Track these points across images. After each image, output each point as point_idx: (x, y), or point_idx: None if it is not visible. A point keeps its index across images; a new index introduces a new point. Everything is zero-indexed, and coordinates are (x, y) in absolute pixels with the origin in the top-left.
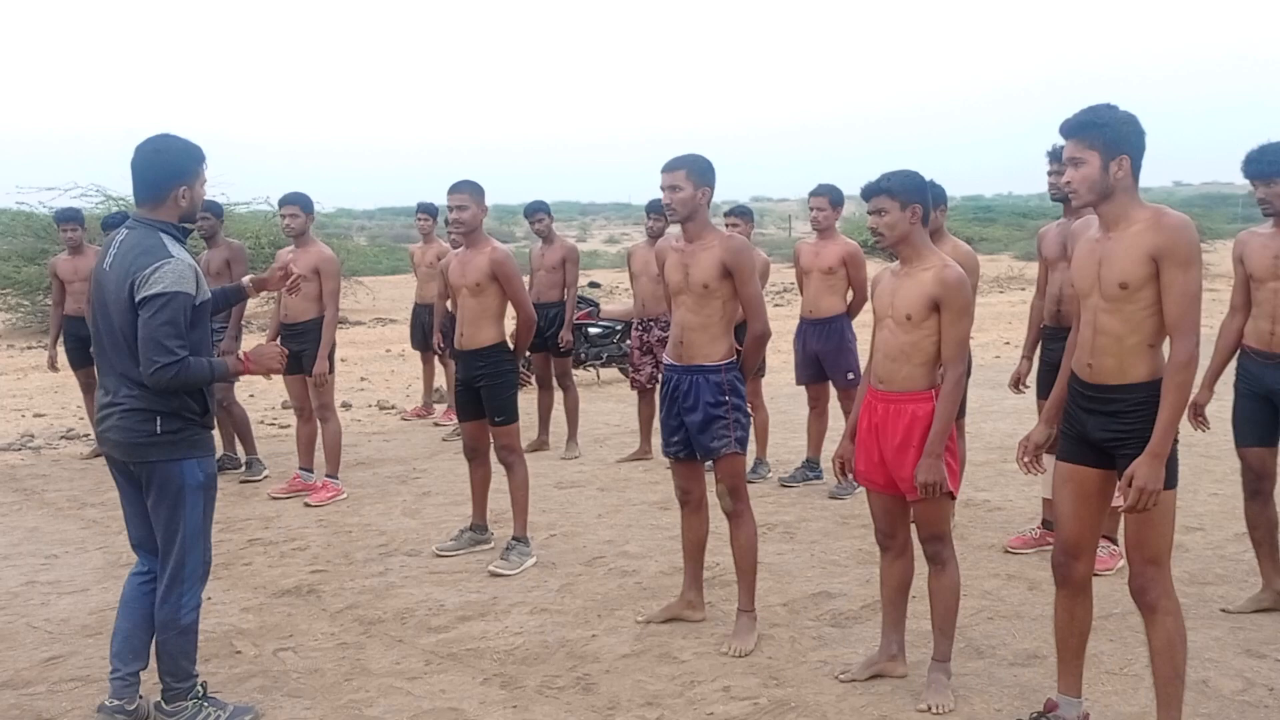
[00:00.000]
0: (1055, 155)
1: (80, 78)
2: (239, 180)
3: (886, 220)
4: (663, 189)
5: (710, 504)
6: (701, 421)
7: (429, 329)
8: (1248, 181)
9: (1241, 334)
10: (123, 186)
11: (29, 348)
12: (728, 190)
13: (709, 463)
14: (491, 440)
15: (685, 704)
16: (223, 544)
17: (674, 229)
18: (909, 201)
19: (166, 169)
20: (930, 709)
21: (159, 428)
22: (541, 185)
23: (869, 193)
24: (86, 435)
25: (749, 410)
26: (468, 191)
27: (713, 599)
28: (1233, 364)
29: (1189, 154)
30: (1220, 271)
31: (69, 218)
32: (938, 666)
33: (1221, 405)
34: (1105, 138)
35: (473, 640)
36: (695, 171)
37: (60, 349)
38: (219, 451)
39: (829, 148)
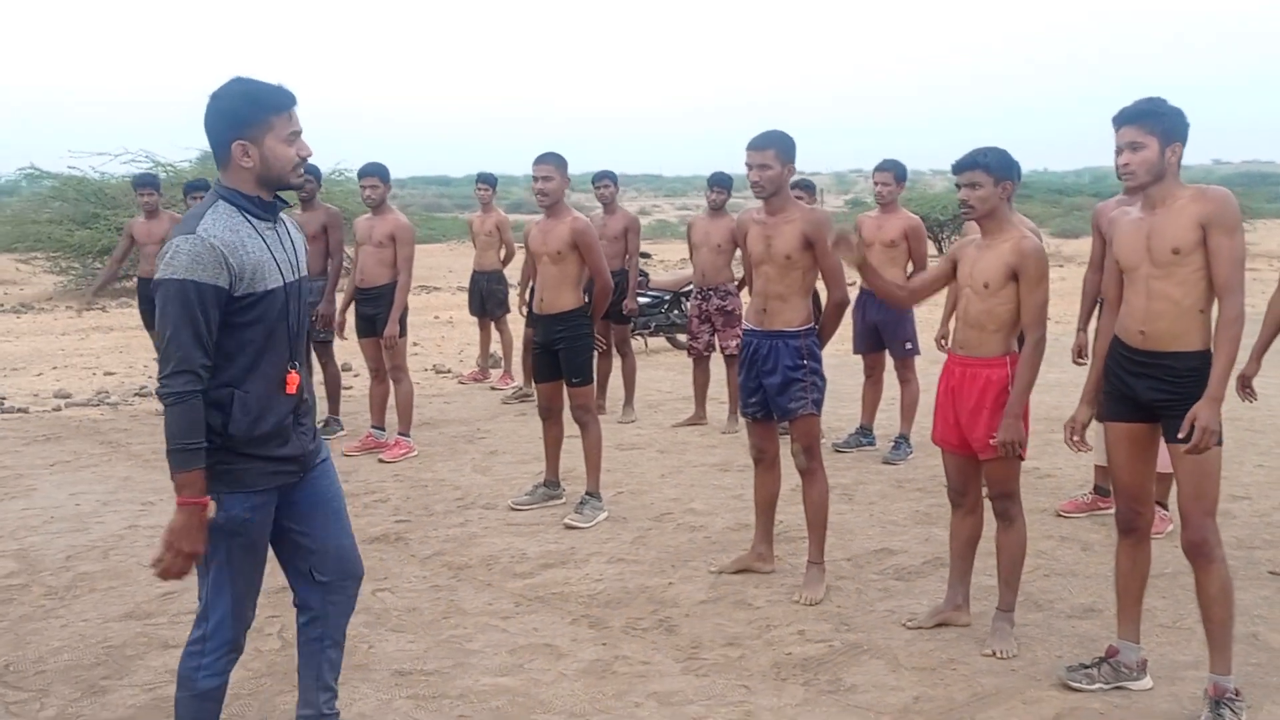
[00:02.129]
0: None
1: (131, 42)
2: None
3: (980, 194)
4: (751, 166)
5: (782, 462)
6: (780, 384)
7: (486, 295)
8: None
9: None
10: (170, 152)
11: (87, 309)
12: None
13: (783, 424)
14: (567, 400)
15: (764, 644)
16: None
17: (754, 202)
18: (1002, 178)
19: (222, 121)
20: (995, 654)
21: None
22: (572, 157)
23: (964, 166)
24: (149, 391)
25: (823, 375)
26: (553, 163)
27: (780, 553)
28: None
29: (1229, 132)
30: (1260, 251)
31: (146, 183)
32: (1002, 616)
33: (1264, 381)
34: (1164, 126)
35: (557, 585)
36: (783, 150)
37: (121, 304)
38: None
39: (846, 119)
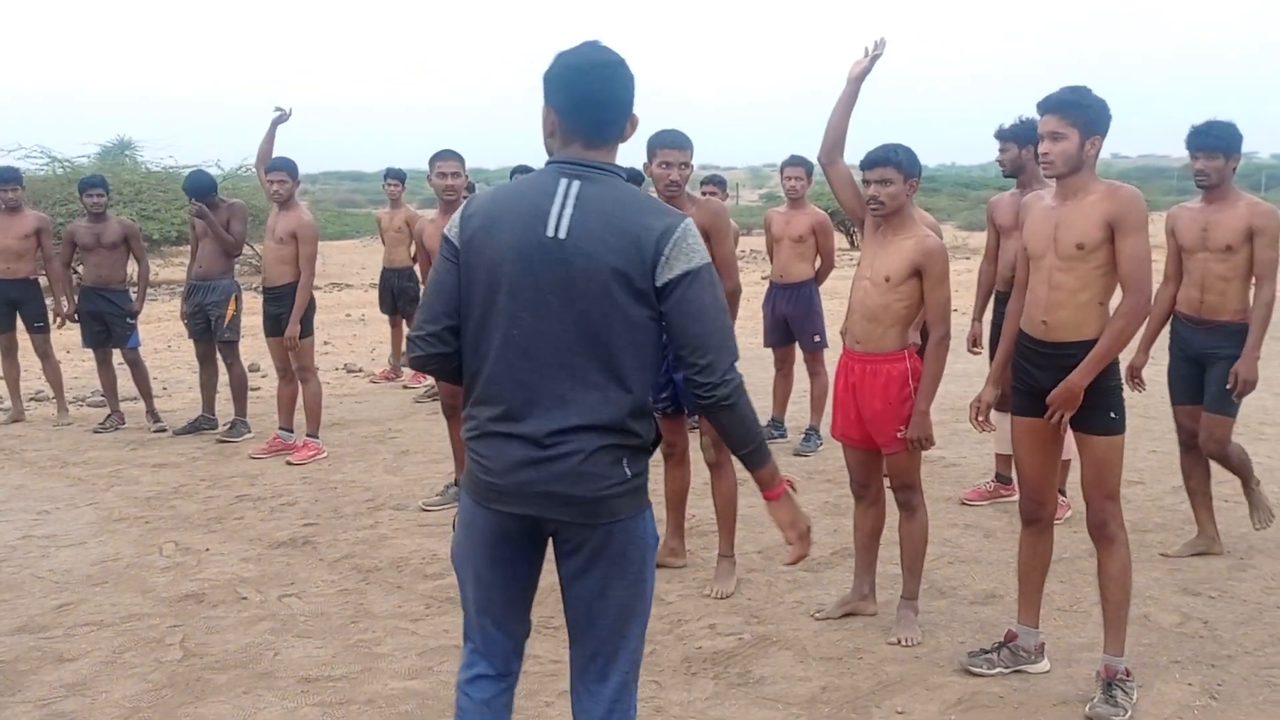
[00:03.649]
0: (1003, 135)
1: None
2: (186, 141)
3: (890, 190)
4: (673, 165)
5: (691, 458)
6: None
7: (398, 293)
8: (1187, 154)
9: (1174, 301)
10: (67, 147)
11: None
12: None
13: (693, 418)
14: None
15: (675, 640)
16: (212, 499)
17: None
18: (910, 175)
19: (629, 90)
20: (900, 641)
21: (629, 469)
22: (511, 148)
23: (875, 163)
24: (52, 396)
25: None
26: (457, 159)
27: (691, 547)
28: (1167, 329)
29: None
30: (1158, 243)
31: (94, 184)
32: (906, 604)
33: (1157, 369)
34: (1086, 118)
35: None
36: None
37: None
38: (197, 412)
39: (770, 119)
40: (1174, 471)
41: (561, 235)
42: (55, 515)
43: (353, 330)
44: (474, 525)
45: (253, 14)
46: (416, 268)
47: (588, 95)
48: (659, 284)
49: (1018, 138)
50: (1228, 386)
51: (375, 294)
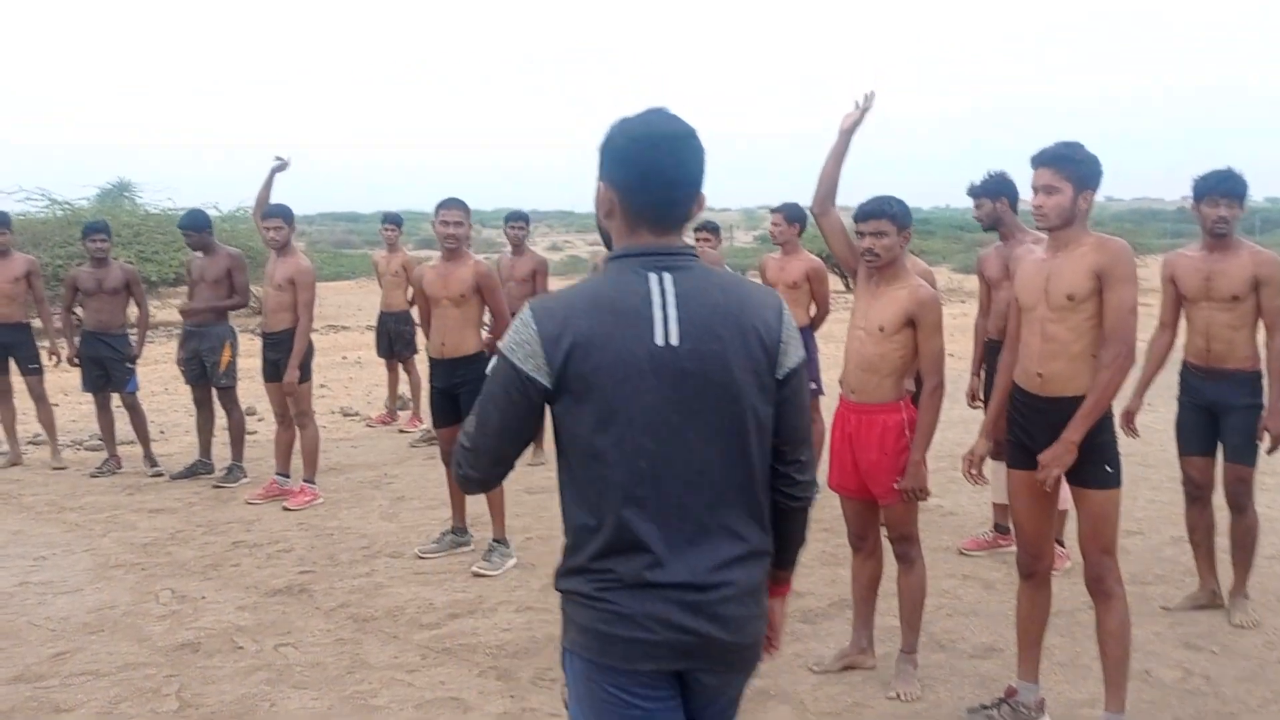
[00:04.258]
0: (975, 192)
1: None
2: (185, 184)
3: (885, 243)
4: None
5: None
6: None
7: (394, 336)
8: (1181, 198)
9: (1169, 347)
10: (67, 190)
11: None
12: None
13: None
14: None
15: None
16: (209, 546)
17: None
18: (904, 226)
19: (702, 166)
20: (899, 696)
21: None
22: (487, 192)
23: (869, 215)
24: (45, 440)
25: None
26: (461, 208)
27: None
28: (1175, 377)
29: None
30: (1152, 286)
31: (98, 229)
32: (905, 658)
33: (1155, 416)
34: (1079, 172)
35: (464, 636)
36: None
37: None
38: (194, 457)
39: (763, 161)
40: (1173, 521)
41: (674, 341)
42: (52, 561)
43: (349, 373)
44: (611, 696)
45: (251, 58)
46: (414, 311)
47: (657, 172)
48: (779, 376)
49: (989, 192)
50: (1258, 441)
51: (372, 336)
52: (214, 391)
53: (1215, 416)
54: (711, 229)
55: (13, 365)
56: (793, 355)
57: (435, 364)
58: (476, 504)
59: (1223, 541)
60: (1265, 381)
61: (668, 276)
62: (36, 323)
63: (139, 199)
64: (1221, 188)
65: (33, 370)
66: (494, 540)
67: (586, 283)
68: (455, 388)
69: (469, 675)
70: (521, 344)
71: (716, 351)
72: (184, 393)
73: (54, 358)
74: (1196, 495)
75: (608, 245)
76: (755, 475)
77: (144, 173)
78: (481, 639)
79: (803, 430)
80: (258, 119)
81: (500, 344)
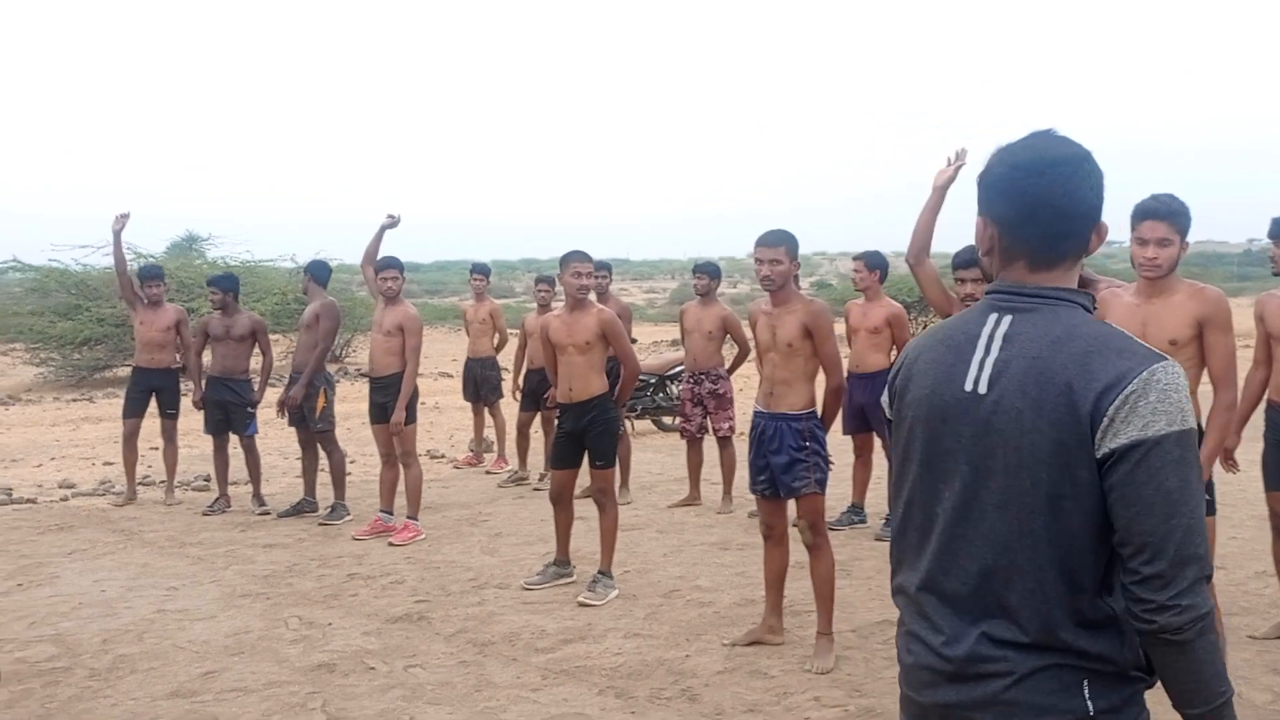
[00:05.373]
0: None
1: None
2: (266, 235)
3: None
4: (762, 261)
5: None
6: (786, 464)
7: (480, 381)
8: (1247, 240)
9: (1265, 385)
10: (148, 243)
11: (73, 400)
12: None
13: (791, 500)
14: (592, 483)
15: (783, 710)
16: (325, 578)
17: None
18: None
19: (1096, 193)
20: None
21: (1091, 701)
22: (549, 244)
23: (969, 263)
24: (161, 480)
25: (829, 455)
26: (592, 261)
27: (788, 626)
28: (1261, 415)
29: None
30: (1241, 330)
31: (153, 274)
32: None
33: (1239, 456)
34: (1186, 224)
35: (579, 659)
36: (791, 247)
37: (109, 394)
38: (300, 495)
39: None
40: (1255, 556)
41: (981, 389)
42: (183, 591)
43: (428, 417)
44: None
45: (329, 119)
46: (500, 357)
47: (1041, 202)
48: (1099, 454)
49: None
50: None
51: (447, 382)
52: (315, 435)
53: None
54: (711, 272)
55: (152, 407)
56: (1122, 434)
57: (564, 409)
58: (573, 539)
59: None
60: None
61: (1008, 319)
62: None
63: (214, 251)
64: None
65: (170, 414)
66: (599, 572)
67: (955, 316)
68: (584, 429)
69: (589, 694)
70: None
71: (1017, 409)
72: (275, 436)
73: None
74: None
75: (988, 280)
76: (1053, 556)
77: (219, 225)
78: (595, 661)
79: (1145, 535)
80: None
81: None
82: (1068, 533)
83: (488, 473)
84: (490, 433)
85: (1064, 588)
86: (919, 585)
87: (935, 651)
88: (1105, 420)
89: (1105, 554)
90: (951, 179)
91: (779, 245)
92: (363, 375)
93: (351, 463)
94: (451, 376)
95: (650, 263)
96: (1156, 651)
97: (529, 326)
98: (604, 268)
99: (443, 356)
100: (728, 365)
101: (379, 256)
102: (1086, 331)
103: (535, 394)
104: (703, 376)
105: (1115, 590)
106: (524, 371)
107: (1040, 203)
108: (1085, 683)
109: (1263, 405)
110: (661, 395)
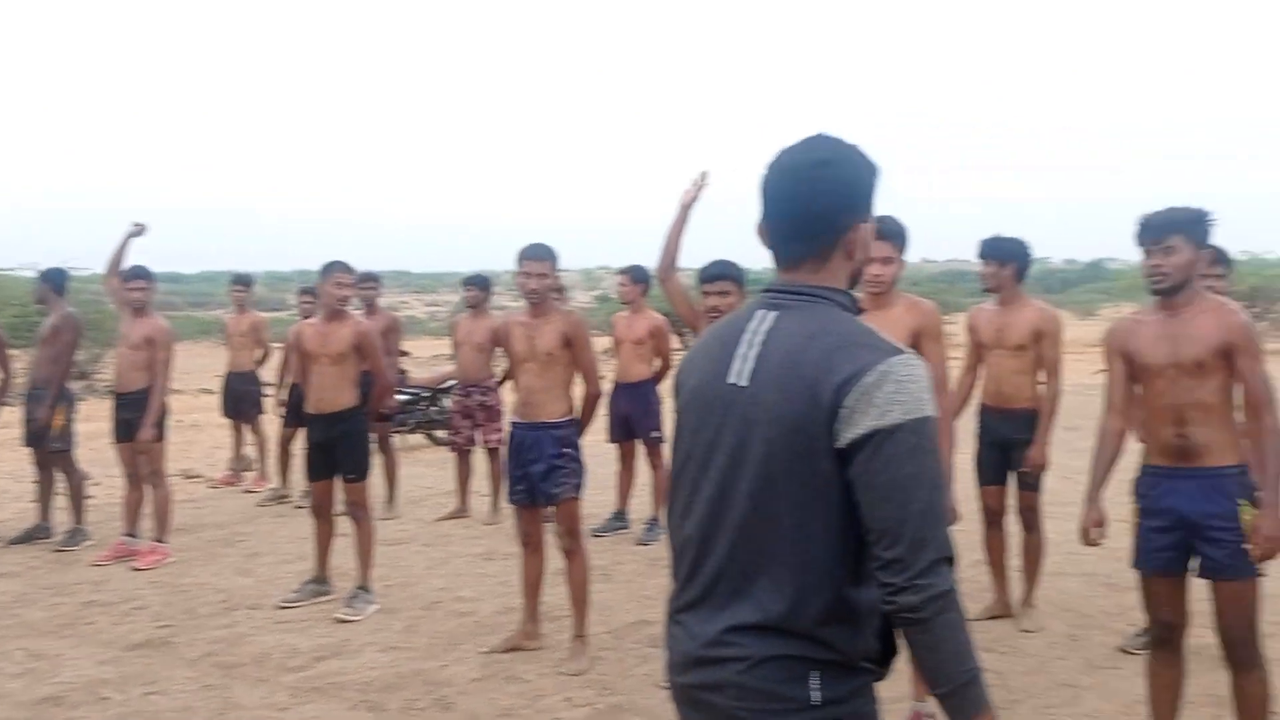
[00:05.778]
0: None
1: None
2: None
3: (729, 301)
4: (529, 275)
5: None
6: (544, 471)
7: (240, 396)
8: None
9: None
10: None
11: None
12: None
13: (550, 508)
14: (344, 497)
15: (535, 712)
16: (58, 607)
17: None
18: (743, 286)
19: (839, 195)
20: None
21: (815, 692)
22: (316, 253)
23: (714, 277)
24: None
25: (583, 461)
26: (354, 273)
27: (545, 630)
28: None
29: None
30: (959, 341)
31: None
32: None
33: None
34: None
35: (332, 676)
36: (555, 261)
37: None
38: (33, 521)
39: (594, 218)
40: (973, 547)
41: (743, 381)
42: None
43: (184, 435)
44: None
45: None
46: (260, 371)
47: (780, 203)
48: (839, 445)
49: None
50: None
51: (206, 398)
52: (50, 456)
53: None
54: (638, 276)
55: None
56: (860, 424)
57: (313, 419)
58: (334, 556)
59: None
60: None
61: (772, 315)
62: None
63: None
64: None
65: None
66: (358, 587)
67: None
68: (332, 441)
69: (340, 709)
70: None
71: (769, 401)
72: (6, 459)
73: None
74: (992, 520)
75: None
76: (795, 547)
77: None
78: (348, 677)
79: (887, 520)
80: (74, 171)
81: None
82: (811, 524)
83: (246, 491)
84: (251, 450)
85: (807, 577)
86: (685, 574)
87: (691, 635)
88: (844, 411)
89: (853, 545)
90: (695, 198)
91: (546, 259)
92: (111, 392)
93: (96, 485)
94: (213, 393)
95: (433, 275)
96: (906, 634)
97: (292, 339)
98: (371, 278)
99: (204, 372)
100: (498, 378)
101: (124, 266)
102: (838, 329)
103: (299, 408)
104: (473, 389)
105: (866, 581)
106: (291, 384)
107: (783, 202)
108: (815, 674)
109: (975, 408)
110: (435, 409)
